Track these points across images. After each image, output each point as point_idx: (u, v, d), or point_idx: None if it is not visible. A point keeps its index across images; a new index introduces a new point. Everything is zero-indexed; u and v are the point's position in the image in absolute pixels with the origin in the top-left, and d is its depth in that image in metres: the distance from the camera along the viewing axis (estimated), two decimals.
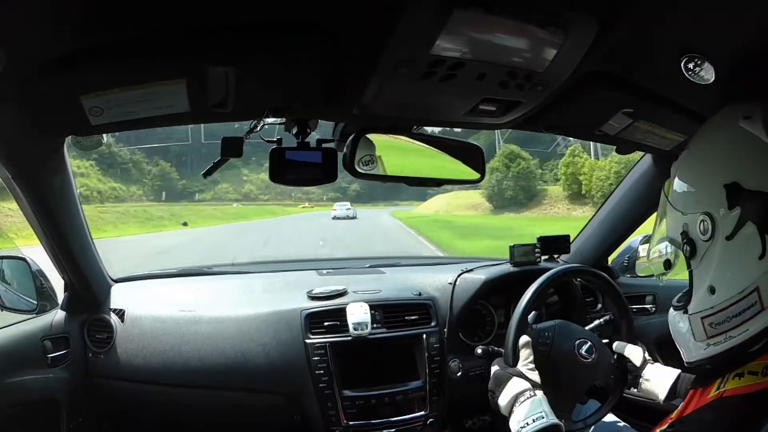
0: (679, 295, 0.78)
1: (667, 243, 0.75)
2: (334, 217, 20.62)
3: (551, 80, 0.81)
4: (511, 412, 0.96)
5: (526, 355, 1.03)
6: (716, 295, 0.67)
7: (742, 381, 0.66)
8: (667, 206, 0.74)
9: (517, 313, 1.12)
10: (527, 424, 0.91)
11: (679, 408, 0.73)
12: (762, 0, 0.66)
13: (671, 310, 0.78)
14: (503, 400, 0.98)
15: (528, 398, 0.95)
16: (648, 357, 1.12)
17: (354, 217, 21.13)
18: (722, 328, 0.67)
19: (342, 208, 21.88)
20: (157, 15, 0.64)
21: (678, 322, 0.75)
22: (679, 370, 1.06)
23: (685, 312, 0.73)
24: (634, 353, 1.12)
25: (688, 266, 0.71)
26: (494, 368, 1.06)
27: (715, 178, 0.66)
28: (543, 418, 0.91)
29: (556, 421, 0.91)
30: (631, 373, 1.13)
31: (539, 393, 0.96)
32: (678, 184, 0.74)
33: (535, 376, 1.00)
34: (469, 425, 1.50)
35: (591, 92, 0.91)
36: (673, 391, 1.04)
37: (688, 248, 0.69)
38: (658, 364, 1.10)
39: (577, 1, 0.68)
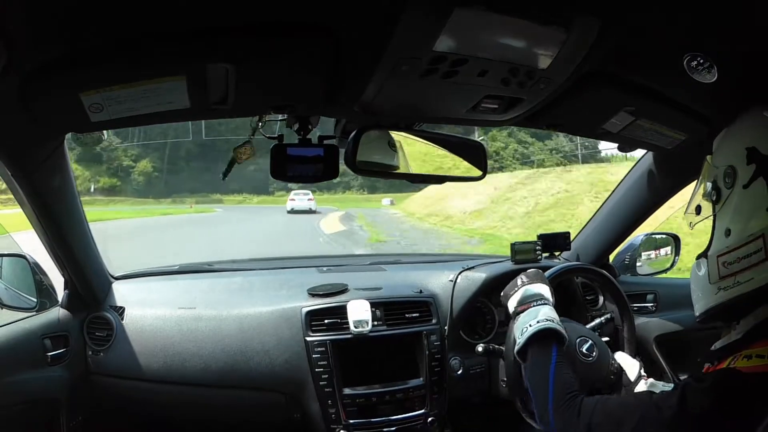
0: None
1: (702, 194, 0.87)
2: (292, 210, 16.31)
3: (553, 78, 0.81)
4: (526, 304, 1.07)
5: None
6: (731, 237, 0.79)
7: (750, 362, 0.72)
8: (707, 168, 0.86)
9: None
10: (549, 320, 1.01)
11: None
12: None
13: (693, 265, 0.87)
14: (528, 291, 1.09)
15: (551, 306, 1.06)
16: (643, 374, 1.12)
17: (315, 211, 16.31)
18: (733, 268, 0.77)
19: (303, 198, 16.64)
20: (157, 13, 0.64)
21: (698, 270, 0.85)
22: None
23: (706, 257, 0.83)
24: (631, 367, 1.13)
25: (713, 211, 0.83)
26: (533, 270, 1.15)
27: (742, 143, 0.80)
28: (560, 326, 1.01)
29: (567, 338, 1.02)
30: (624, 387, 1.12)
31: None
32: (716, 149, 0.86)
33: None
34: (469, 423, 1.50)
35: (593, 90, 0.91)
36: None
37: (715, 194, 0.82)
38: (651, 380, 1.10)
39: (579, 0, 0.67)
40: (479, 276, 1.47)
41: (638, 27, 0.73)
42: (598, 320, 1.34)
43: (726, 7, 0.68)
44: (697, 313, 0.85)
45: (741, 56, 0.78)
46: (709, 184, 0.84)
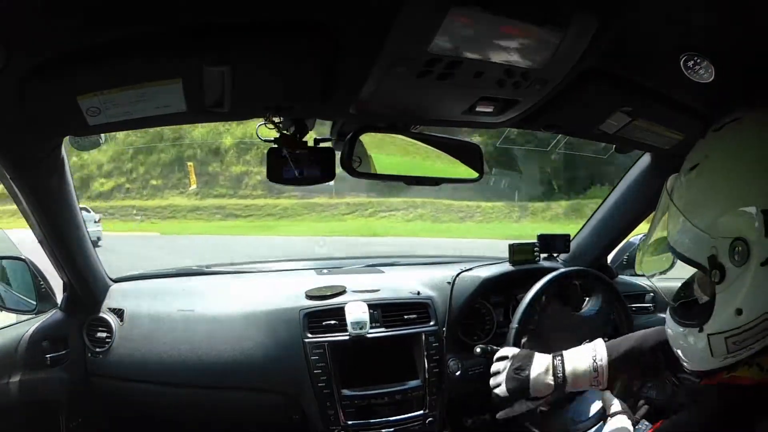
0: (675, 299, 0.77)
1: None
2: None
3: (549, 78, 0.81)
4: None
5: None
6: (743, 316, 0.65)
7: (751, 371, 0.67)
8: (681, 221, 0.70)
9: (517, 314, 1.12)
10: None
11: None
12: None
13: (672, 322, 0.75)
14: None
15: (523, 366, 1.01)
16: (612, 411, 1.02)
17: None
18: (746, 344, 0.66)
19: (89, 220, 8.28)
20: (153, 14, 0.64)
21: (689, 340, 0.72)
22: None
23: (701, 330, 0.69)
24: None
25: (711, 289, 0.68)
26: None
27: (751, 202, 0.64)
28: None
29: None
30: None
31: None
32: (702, 202, 0.69)
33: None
34: (468, 424, 1.50)
35: (589, 90, 0.91)
36: None
37: (718, 273, 0.66)
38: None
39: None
40: (477, 277, 1.47)
41: (635, 26, 0.73)
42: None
43: (723, 6, 0.68)
44: (690, 369, 0.74)
45: (739, 56, 0.78)
46: (703, 259, 0.68)
